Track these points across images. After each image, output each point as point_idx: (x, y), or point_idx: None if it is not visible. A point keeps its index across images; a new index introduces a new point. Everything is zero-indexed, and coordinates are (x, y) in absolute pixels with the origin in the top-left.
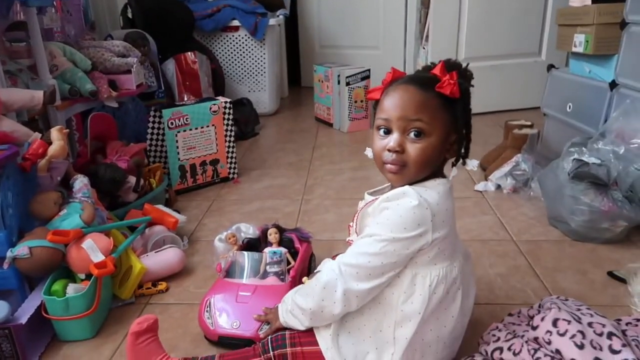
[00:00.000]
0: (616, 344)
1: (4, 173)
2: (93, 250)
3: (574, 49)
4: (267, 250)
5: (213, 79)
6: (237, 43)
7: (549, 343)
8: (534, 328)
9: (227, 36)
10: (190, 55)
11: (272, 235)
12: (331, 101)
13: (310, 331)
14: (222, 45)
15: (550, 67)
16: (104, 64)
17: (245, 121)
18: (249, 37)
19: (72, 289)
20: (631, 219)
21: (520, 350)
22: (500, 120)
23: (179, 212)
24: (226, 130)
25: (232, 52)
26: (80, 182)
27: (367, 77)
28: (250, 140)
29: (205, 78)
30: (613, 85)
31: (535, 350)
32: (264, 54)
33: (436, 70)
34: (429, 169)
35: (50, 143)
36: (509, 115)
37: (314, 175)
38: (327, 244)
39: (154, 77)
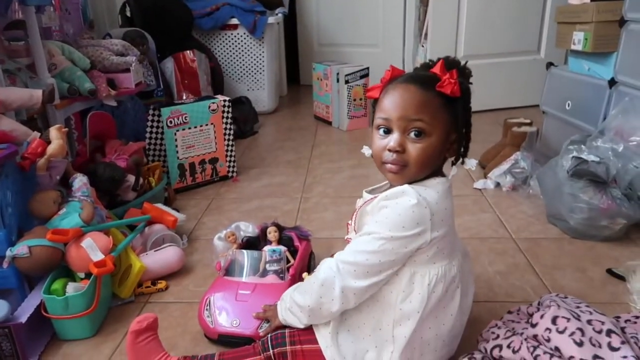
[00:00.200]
0: (615, 341)
1: (3, 172)
2: (92, 249)
3: (573, 47)
4: (266, 248)
5: (212, 78)
6: (236, 41)
7: (548, 340)
8: (533, 325)
9: (226, 34)
10: (189, 53)
11: (272, 234)
12: (330, 99)
13: (309, 329)
14: (221, 44)
15: (549, 65)
16: (102, 63)
17: (244, 120)
18: (247, 36)
19: (71, 288)
20: (630, 217)
21: (520, 348)
22: (499, 118)
23: (178, 211)
24: (225, 128)
25: (231, 51)
26: (80, 181)
27: (366, 75)
28: (249, 139)
29: (204, 76)
30: (612, 83)
31: (535, 348)
32: (263, 52)
33: (436, 69)
34: (429, 169)
35: (49, 142)
36: (508, 113)
37: (313, 173)
38: (326, 242)
39: (153, 75)
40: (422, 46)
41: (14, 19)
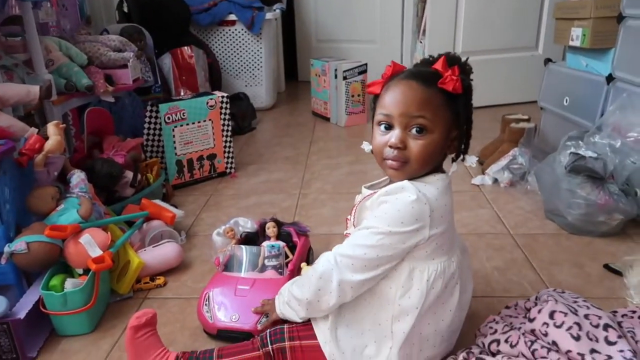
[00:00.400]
0: (612, 335)
1: (0, 168)
2: (91, 245)
3: (571, 43)
4: (265, 244)
5: (210, 74)
6: (233, 37)
7: (546, 335)
8: (531, 320)
9: (223, 30)
10: (186, 49)
11: (270, 229)
12: (328, 95)
13: (308, 324)
14: (218, 40)
15: (547, 61)
16: (100, 59)
17: (242, 116)
18: (245, 32)
19: (70, 284)
20: (627, 212)
21: (517, 342)
22: (498, 114)
23: (176, 207)
24: (223, 124)
25: (228, 47)
26: (78, 177)
27: (364, 71)
28: (247, 135)
29: (202, 72)
30: (610, 79)
31: (532, 342)
32: (261, 48)
33: (438, 65)
34: (430, 166)
35: (46, 138)
36: (506, 109)
37: (311, 169)
38: (324, 238)
39: (151, 71)
40: (420, 42)
41: (11, 14)
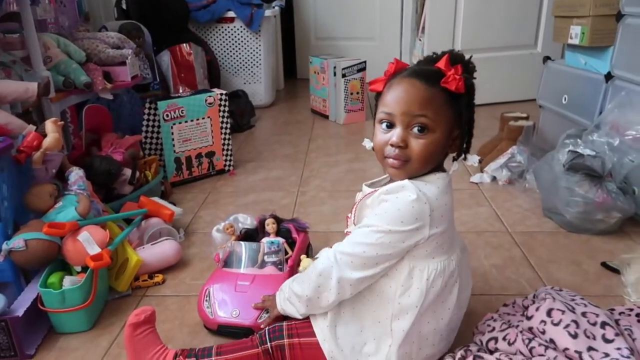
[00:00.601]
0: (609, 333)
1: None
2: (89, 242)
3: (570, 41)
4: (264, 240)
5: (208, 71)
6: (232, 34)
7: (543, 333)
8: (529, 318)
9: (222, 27)
10: (185, 46)
11: (270, 226)
12: (327, 93)
13: (307, 322)
14: (217, 37)
15: (546, 59)
16: (98, 56)
17: (240, 113)
18: (244, 29)
19: (68, 282)
20: (625, 211)
21: (515, 340)
22: (496, 112)
23: (174, 205)
24: (222, 122)
25: (227, 44)
26: (76, 175)
27: (363, 68)
28: (246, 133)
29: (201, 70)
30: (608, 77)
31: (530, 340)
32: (260, 45)
33: (441, 64)
34: (431, 165)
35: (44, 135)
36: (505, 107)
37: (309, 167)
38: (323, 236)
39: (149, 68)
40: (420, 40)
41: (9, 11)
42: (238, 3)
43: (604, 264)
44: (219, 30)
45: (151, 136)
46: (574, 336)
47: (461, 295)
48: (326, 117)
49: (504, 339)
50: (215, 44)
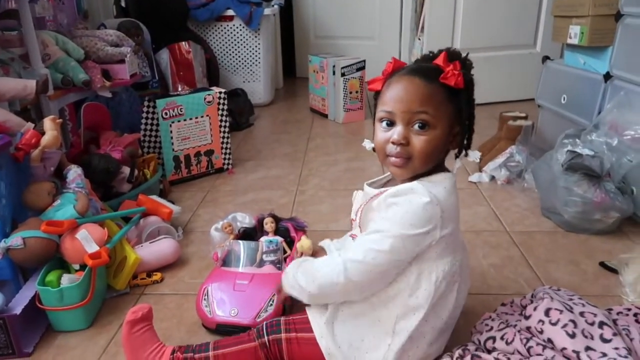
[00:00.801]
0: (607, 333)
1: None
2: (87, 240)
3: (569, 41)
4: (263, 239)
5: (207, 69)
6: (231, 33)
7: (541, 332)
8: (527, 317)
9: (221, 26)
10: (184, 45)
11: (268, 225)
12: (326, 92)
13: (305, 317)
14: (216, 35)
15: (545, 58)
16: (97, 54)
17: (239, 112)
18: (243, 27)
19: (66, 280)
20: (623, 210)
21: (513, 340)
22: (495, 112)
23: (173, 203)
24: (221, 120)
25: (226, 42)
26: (74, 173)
27: (363, 67)
28: (245, 131)
29: (200, 68)
30: (607, 77)
31: (528, 340)
32: (259, 44)
33: (439, 61)
34: (433, 162)
35: (43, 133)
36: (504, 107)
37: (308, 166)
38: (321, 235)
39: (148, 66)
40: (419, 39)
41: (7, 8)
42: (237, 1)
43: (602, 264)
44: (218, 28)
45: (150, 134)
46: (572, 336)
47: (460, 295)
48: (325, 116)
49: (501, 338)
50: (214, 43)
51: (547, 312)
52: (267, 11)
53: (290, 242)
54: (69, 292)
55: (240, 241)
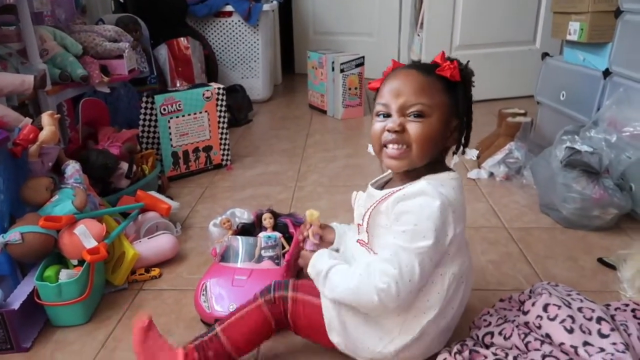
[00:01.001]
0: (605, 328)
1: None
2: (85, 236)
3: (568, 37)
4: (261, 234)
5: (206, 65)
6: (230, 29)
7: (539, 327)
8: (525, 313)
9: (220, 22)
10: (182, 40)
11: (267, 220)
12: (325, 88)
13: (312, 284)
14: (215, 31)
15: (545, 55)
16: (95, 49)
17: (238, 108)
18: (242, 23)
19: (64, 275)
20: (621, 207)
21: (511, 335)
22: (494, 109)
23: (171, 199)
24: (219, 116)
25: (225, 38)
26: (72, 168)
27: (362, 64)
28: (244, 127)
29: (198, 64)
30: (606, 73)
31: (526, 335)
32: (258, 40)
33: (437, 58)
34: (430, 154)
35: (41, 128)
36: (503, 104)
37: (307, 162)
38: None
39: (146, 62)
40: (418, 35)
41: (5, 3)
42: None
43: (600, 260)
44: (217, 24)
45: (148, 130)
46: (570, 331)
47: (465, 294)
48: (324, 112)
49: (500, 333)
50: (213, 38)
51: (545, 308)
52: (266, 7)
53: (289, 238)
54: (67, 288)
55: (239, 237)
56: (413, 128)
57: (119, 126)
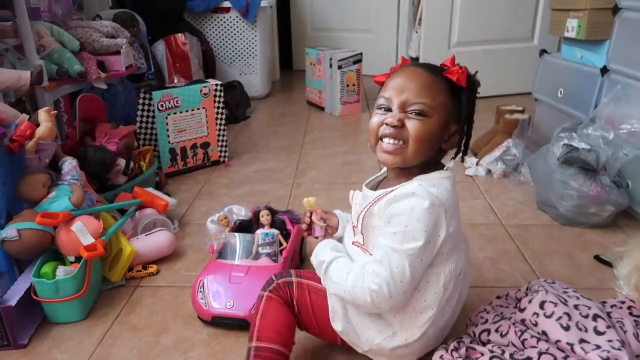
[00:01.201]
0: (601, 325)
1: None
2: (83, 233)
3: (566, 35)
4: (259, 232)
5: (204, 62)
6: (228, 25)
7: (536, 325)
8: (522, 310)
9: (218, 18)
10: (180, 36)
11: (265, 217)
12: (323, 85)
13: (316, 275)
14: (213, 27)
15: (543, 52)
16: (92, 45)
17: (236, 104)
18: (240, 19)
19: (62, 272)
20: (619, 204)
21: (508, 332)
22: (492, 106)
23: (169, 196)
24: (217, 113)
25: (223, 34)
26: (70, 165)
27: (360, 60)
28: (242, 124)
29: (196, 60)
30: (604, 71)
31: (522, 332)
32: (256, 36)
33: (446, 62)
34: (425, 154)
35: (38, 125)
36: (501, 101)
37: (305, 159)
38: None
39: (144, 58)
40: (417, 32)
41: None
42: None
43: (597, 258)
44: (215, 20)
45: (146, 127)
46: (566, 328)
47: (463, 292)
48: (322, 109)
49: (496, 331)
50: (210, 35)
51: (542, 305)
52: (264, 3)
53: (287, 235)
54: (64, 285)
55: (237, 234)
56: (412, 125)
57: (116, 123)
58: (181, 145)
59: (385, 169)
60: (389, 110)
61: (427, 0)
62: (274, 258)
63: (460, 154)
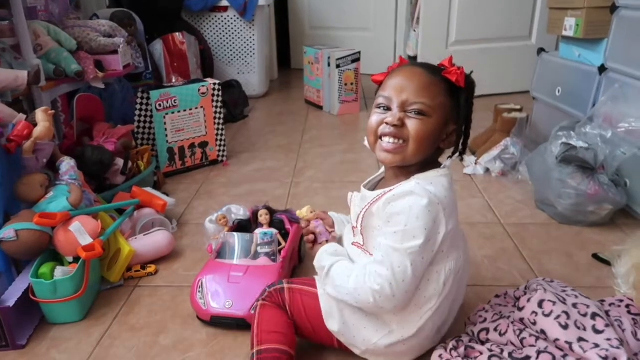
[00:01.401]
0: (599, 324)
1: None
2: (81, 233)
3: (564, 33)
4: (257, 231)
5: (202, 60)
6: (226, 24)
7: (534, 323)
8: (520, 309)
9: (215, 17)
10: (178, 35)
11: (263, 217)
12: (321, 84)
13: (309, 278)
14: (210, 26)
15: (540, 50)
16: (89, 44)
17: (234, 103)
18: (238, 18)
19: (60, 272)
20: (616, 203)
21: (506, 331)
22: (490, 104)
23: (167, 195)
24: (215, 112)
25: (221, 33)
26: (67, 165)
27: (358, 59)
28: (240, 123)
29: (194, 59)
30: (602, 69)
31: (521, 331)
32: (254, 35)
33: (444, 62)
34: (424, 152)
35: (35, 124)
36: (499, 99)
37: (303, 158)
38: None
39: (142, 57)
40: (414, 31)
41: None
42: None
43: (595, 256)
44: (213, 19)
45: (144, 126)
46: (565, 327)
47: (461, 289)
48: (320, 107)
49: (495, 329)
50: (208, 33)
51: (540, 304)
52: (261, 2)
53: (285, 234)
54: (62, 285)
55: (235, 233)
56: (412, 125)
57: (114, 122)
58: (179, 144)
59: (382, 169)
60: (388, 109)
61: None
62: (272, 257)
63: (458, 153)
